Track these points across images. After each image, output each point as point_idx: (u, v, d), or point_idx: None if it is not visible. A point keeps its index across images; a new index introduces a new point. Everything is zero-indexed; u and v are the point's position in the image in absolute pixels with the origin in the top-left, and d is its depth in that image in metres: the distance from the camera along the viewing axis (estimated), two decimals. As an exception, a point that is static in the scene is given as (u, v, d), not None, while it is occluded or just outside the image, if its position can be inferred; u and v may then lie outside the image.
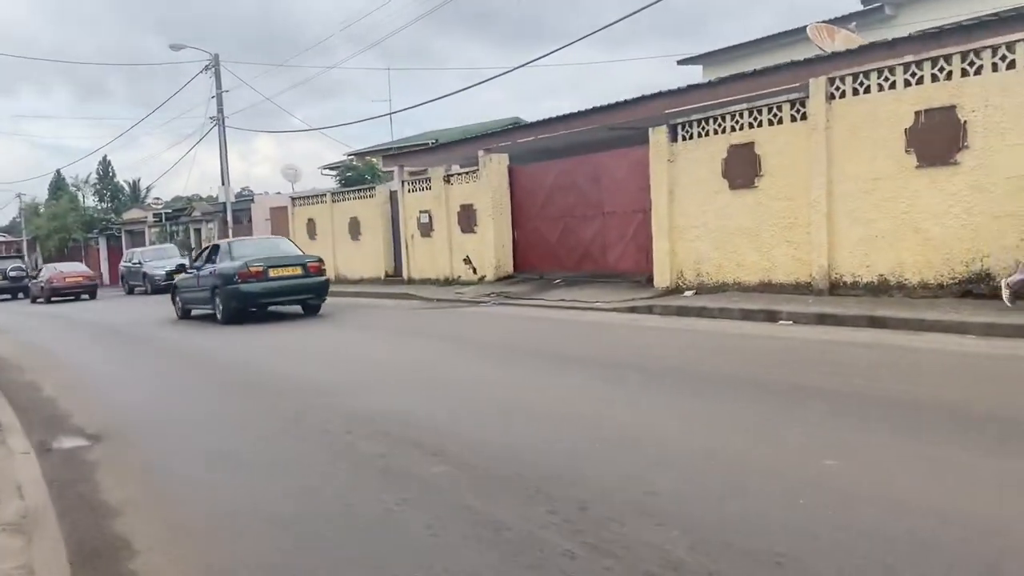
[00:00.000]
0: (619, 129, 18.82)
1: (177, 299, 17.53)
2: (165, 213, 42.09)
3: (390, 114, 39.80)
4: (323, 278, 15.89)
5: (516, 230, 18.61)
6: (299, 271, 15.44)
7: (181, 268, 18.31)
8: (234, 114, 33.48)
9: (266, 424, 6.52)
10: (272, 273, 14.98)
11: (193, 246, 37.52)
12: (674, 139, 13.70)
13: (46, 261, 49.34)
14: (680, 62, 30.27)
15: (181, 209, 39.92)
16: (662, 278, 13.97)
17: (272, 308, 15.94)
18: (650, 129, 14.05)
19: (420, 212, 21.19)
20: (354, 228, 24.36)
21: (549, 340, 10.43)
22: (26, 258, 51.28)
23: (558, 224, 17.24)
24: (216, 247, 16.57)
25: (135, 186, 52.99)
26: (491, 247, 18.62)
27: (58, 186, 51.12)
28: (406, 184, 21.95)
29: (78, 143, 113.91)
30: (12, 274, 35.81)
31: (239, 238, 21.45)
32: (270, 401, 7.37)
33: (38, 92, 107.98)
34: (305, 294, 15.58)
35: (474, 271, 19.45)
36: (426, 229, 21.03)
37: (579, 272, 16.84)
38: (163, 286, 32.27)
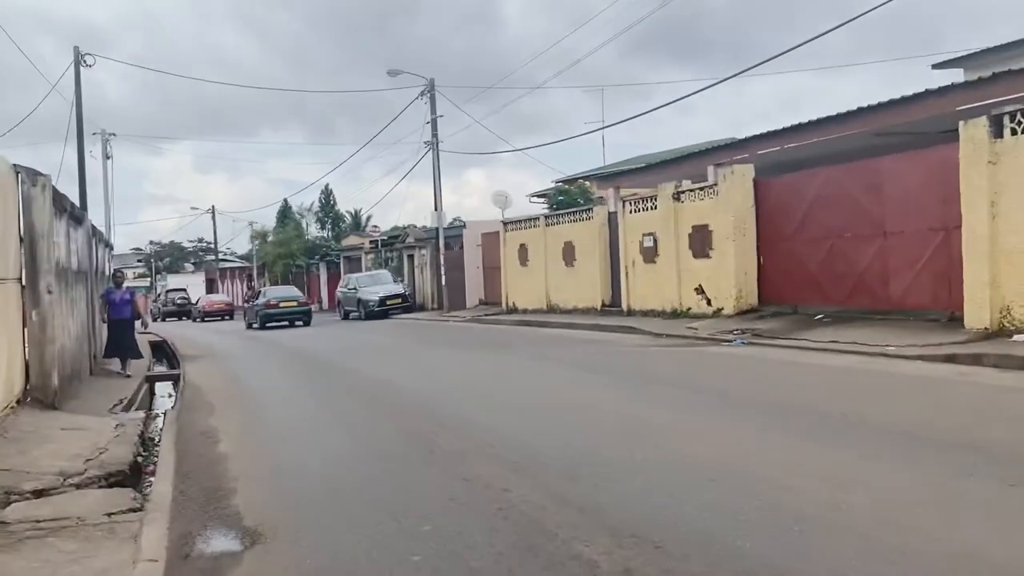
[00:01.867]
0: (891, 135, 15.53)
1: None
2: (380, 240, 42.69)
3: (601, 128, 37.50)
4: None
5: (762, 254, 15.72)
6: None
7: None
8: (447, 137, 32.81)
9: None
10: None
11: (406, 271, 37.50)
12: (998, 134, 10.39)
13: (272, 285, 52.15)
14: (935, 66, 26.07)
15: (395, 236, 40.19)
16: (977, 317, 10.62)
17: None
18: (961, 123, 10.81)
19: (643, 235, 18.81)
20: (568, 253, 22.42)
21: (841, 398, 7.63)
22: (255, 282, 54.57)
23: (820, 247, 14.18)
24: None
25: (356, 216, 54.85)
26: (731, 274, 15.84)
27: (285, 214, 53.99)
28: (627, 204, 19.68)
29: (306, 177, 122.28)
30: (179, 301, 48.39)
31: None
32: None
33: (275, 132, 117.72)
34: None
35: (708, 302, 16.73)
36: (650, 254, 18.61)
37: (848, 306, 13.68)
38: (377, 312, 32.40)
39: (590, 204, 24.85)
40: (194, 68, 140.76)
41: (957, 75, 23.85)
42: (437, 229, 32.44)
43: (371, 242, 43.17)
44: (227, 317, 40.87)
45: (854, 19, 18.84)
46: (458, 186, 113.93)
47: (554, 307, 23.43)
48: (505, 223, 26.99)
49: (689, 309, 17.23)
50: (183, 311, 47.07)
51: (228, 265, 68.38)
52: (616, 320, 18.52)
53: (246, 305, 36.71)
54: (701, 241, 16.79)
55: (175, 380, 14.29)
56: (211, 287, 69.38)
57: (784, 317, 14.57)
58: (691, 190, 17.30)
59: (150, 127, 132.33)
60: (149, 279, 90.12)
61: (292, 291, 34.16)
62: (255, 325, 30.10)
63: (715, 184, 16.44)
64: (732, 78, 47.47)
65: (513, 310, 25.94)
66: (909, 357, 9.78)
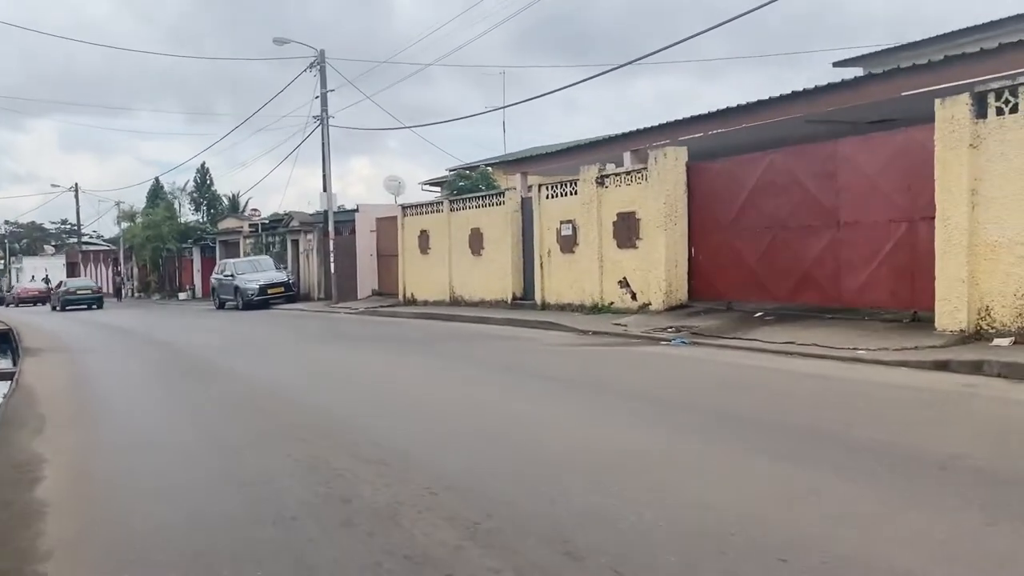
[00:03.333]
0: (825, 122, 14.59)
1: None
2: (261, 223, 39.64)
3: (503, 107, 36.33)
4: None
5: (694, 246, 14.46)
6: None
7: None
8: (335, 115, 30.25)
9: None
10: None
11: (290, 258, 34.76)
12: (981, 114, 9.34)
13: (141, 271, 47.94)
14: (836, 64, 25.95)
15: (278, 219, 37.29)
16: (951, 318, 9.57)
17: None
18: (938, 100, 9.73)
19: (562, 222, 17.29)
20: (475, 241, 20.67)
21: (852, 418, 6.23)
22: (122, 268, 50.08)
23: (762, 238, 13.00)
24: None
25: (234, 199, 51.19)
26: (659, 266, 14.50)
27: (156, 195, 49.68)
28: (543, 189, 18.10)
29: (182, 159, 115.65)
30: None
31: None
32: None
33: (150, 111, 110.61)
34: None
35: (633, 296, 15.37)
36: (568, 243, 17.11)
37: (792, 303, 12.55)
38: (257, 301, 29.64)
39: (496, 189, 23.22)
40: (65, 42, 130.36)
41: (857, 72, 23.63)
42: (326, 212, 29.98)
43: (251, 225, 40.05)
44: (41, 304, 44.94)
45: (726, 22, 18.02)
46: (343, 173, 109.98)
47: (459, 299, 21.63)
48: (404, 207, 24.98)
49: (611, 304, 15.82)
50: (40, 298, 48.43)
51: (93, 248, 62.96)
52: (531, 314, 16.93)
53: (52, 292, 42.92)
54: (627, 230, 15.40)
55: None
56: (73, 271, 63.73)
57: (719, 314, 13.33)
58: (617, 174, 15.88)
59: (10, 99, 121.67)
60: (2, 262, 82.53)
61: (88, 282, 43.24)
62: (57, 308, 37.15)
63: (644, 168, 15.05)
64: (615, 69, 46.94)
65: (412, 302, 23.99)
66: (889, 363, 8.57)
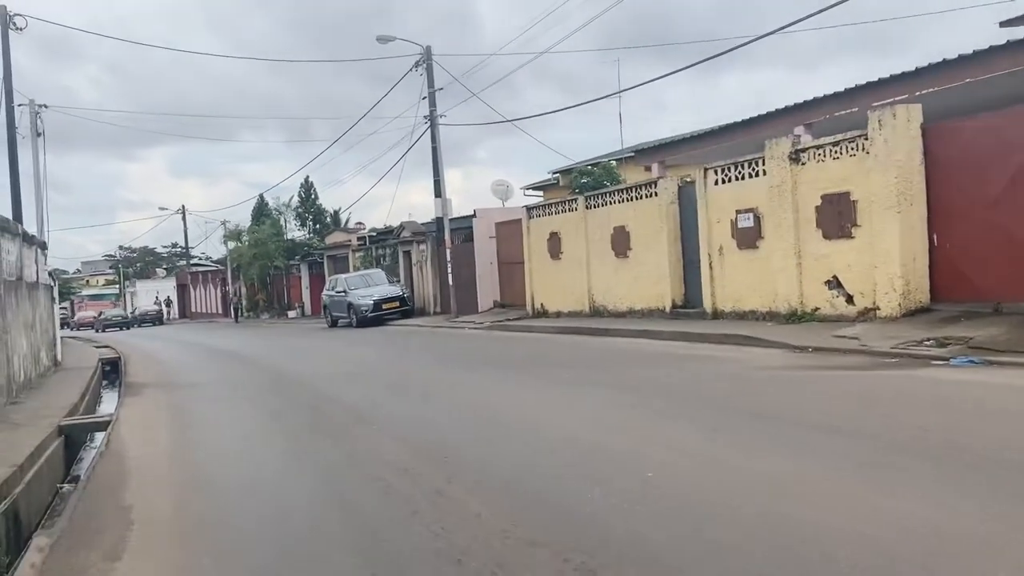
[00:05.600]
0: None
1: None
2: (370, 236, 37.90)
3: (619, 92, 33.25)
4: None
5: (936, 231, 11.24)
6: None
7: None
8: (443, 123, 27.95)
9: None
10: None
11: (402, 271, 32.76)
12: None
13: (249, 289, 47.13)
14: (1003, 24, 21.99)
15: (388, 230, 35.44)
16: None
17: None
18: None
19: (738, 212, 14.27)
20: (620, 241, 17.84)
21: None
22: (229, 287, 49.52)
23: (1055, 215, 9.71)
24: None
25: (336, 216, 49.95)
26: (892, 260, 11.32)
27: (261, 212, 48.91)
28: (710, 173, 15.10)
29: (283, 179, 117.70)
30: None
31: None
32: None
33: (254, 137, 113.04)
34: None
35: (848, 299, 12.22)
36: (749, 236, 14.08)
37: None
38: (371, 318, 27.65)
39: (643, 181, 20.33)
40: (170, 74, 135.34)
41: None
42: (441, 219, 27.77)
43: (359, 239, 38.33)
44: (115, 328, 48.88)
45: (817, 13, 14.54)
46: (433, 187, 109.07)
47: (600, 309, 18.84)
48: (529, 208, 22.39)
49: (816, 310, 12.71)
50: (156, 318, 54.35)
51: (201, 269, 63.29)
52: (703, 326, 13.98)
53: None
54: (837, 216, 12.26)
55: (103, 428, 9.58)
56: (183, 293, 64.29)
57: (989, 319, 10.07)
58: (819, 146, 12.71)
59: (124, 133, 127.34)
60: (118, 286, 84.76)
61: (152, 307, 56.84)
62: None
63: (860, 136, 11.87)
64: (701, 63, 43.08)
65: (542, 313, 21.36)
66: None
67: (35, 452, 7.78)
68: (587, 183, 26.22)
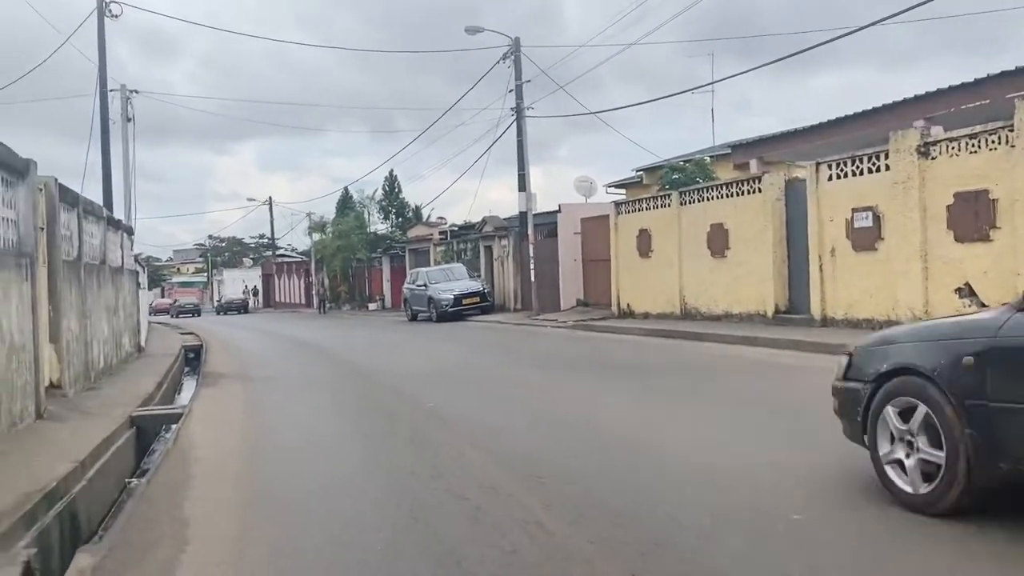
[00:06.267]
0: None
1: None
2: (451, 230, 37.53)
3: (711, 84, 32.02)
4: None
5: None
6: None
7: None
8: (530, 116, 27.14)
9: None
10: None
11: (483, 266, 32.20)
12: None
13: (332, 281, 47.42)
14: None
15: (470, 225, 34.95)
16: None
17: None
18: None
19: (855, 210, 13.04)
20: (717, 240, 16.75)
21: None
22: (313, 277, 50.00)
23: None
24: None
25: (417, 211, 49.81)
26: (1038, 266, 10.01)
27: (345, 205, 49.19)
28: (823, 168, 13.89)
29: (369, 176, 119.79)
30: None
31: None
32: None
33: (339, 132, 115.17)
34: None
35: (982, 307, 10.91)
36: (867, 237, 12.84)
37: None
38: (451, 313, 27.17)
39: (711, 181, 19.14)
40: (260, 70, 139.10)
41: None
42: (524, 214, 27.03)
43: (441, 233, 38.03)
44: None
45: (908, 9, 12.84)
46: (514, 184, 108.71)
47: (692, 311, 17.78)
48: (618, 204, 21.47)
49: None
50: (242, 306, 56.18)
51: (286, 260, 64.33)
52: (815, 333, 12.82)
53: None
54: (972, 215, 10.97)
55: (175, 420, 9.15)
56: (268, 282, 65.50)
57: None
58: (953, 139, 11.42)
59: (215, 127, 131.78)
60: (206, 274, 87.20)
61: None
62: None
63: (1005, 128, 10.54)
64: (795, 55, 41.07)
65: (628, 314, 20.41)
66: None
67: (102, 445, 7.35)
68: (678, 180, 25.06)
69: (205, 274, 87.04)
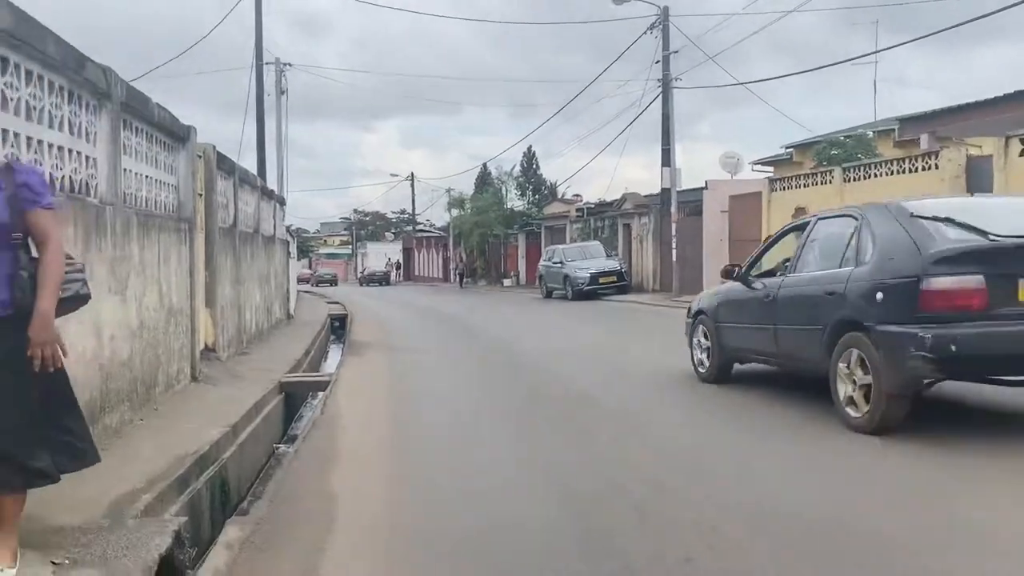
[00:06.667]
0: None
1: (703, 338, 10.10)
2: (588, 208, 36.94)
3: (875, 52, 29.66)
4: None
5: None
6: None
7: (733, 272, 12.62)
8: (677, 87, 25.97)
9: None
10: None
11: (621, 244, 31.50)
12: None
13: (468, 257, 47.91)
14: None
15: (608, 203, 34.26)
16: None
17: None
18: None
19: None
20: (885, 220, 15.41)
21: None
22: (450, 252, 50.73)
23: None
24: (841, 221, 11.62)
25: (553, 188, 49.45)
26: None
27: (484, 181, 49.49)
28: (1015, 142, 12.41)
29: (507, 154, 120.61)
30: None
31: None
32: None
33: (479, 110, 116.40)
34: None
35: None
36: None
37: None
38: (586, 291, 26.68)
39: (876, 159, 17.53)
40: (405, 51, 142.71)
41: None
42: (667, 190, 26.11)
43: (577, 210, 37.51)
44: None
45: None
46: (652, 163, 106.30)
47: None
48: (772, 180, 20.33)
49: None
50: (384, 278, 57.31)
51: (426, 235, 65.72)
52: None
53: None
54: None
55: (322, 388, 9.19)
56: (408, 256, 67.15)
57: None
58: None
59: (362, 105, 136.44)
60: (351, 247, 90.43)
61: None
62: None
63: None
64: (964, 24, 37.07)
65: (779, 297, 19.21)
66: None
67: (252, 410, 7.40)
68: (837, 156, 23.43)
69: (349, 247, 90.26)
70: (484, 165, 51.14)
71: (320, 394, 9.04)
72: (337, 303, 26.08)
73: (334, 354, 15.24)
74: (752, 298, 7.24)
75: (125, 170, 6.39)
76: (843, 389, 5.77)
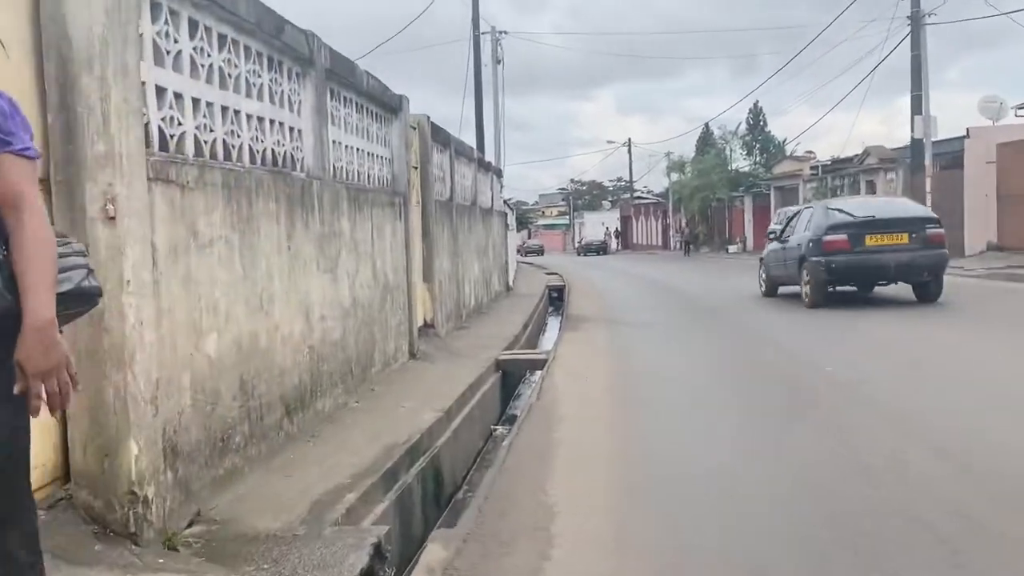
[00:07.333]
0: None
1: (762, 272, 14.75)
2: (823, 165, 33.93)
3: None
4: (941, 250, 11.63)
5: None
6: (906, 239, 11.49)
7: (771, 235, 15.34)
8: (931, 23, 22.77)
9: None
10: (868, 242, 11.55)
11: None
12: None
13: (690, 222, 46.06)
14: None
15: (846, 159, 31.21)
16: None
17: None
18: None
19: None
20: None
21: None
22: (670, 219, 49.07)
23: None
24: (807, 211, 13.57)
25: (781, 147, 46.08)
26: None
27: (705, 142, 47.19)
28: None
29: (726, 116, 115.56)
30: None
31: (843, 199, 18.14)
32: None
33: (699, 71, 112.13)
34: (913, 272, 11.63)
35: None
36: None
37: None
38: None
39: None
40: (622, 14, 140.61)
41: None
42: (919, 141, 23.14)
43: (812, 167, 34.59)
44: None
45: None
46: (889, 115, 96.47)
47: None
48: (1058, 122, 17.13)
49: None
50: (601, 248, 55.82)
51: (644, 202, 64.34)
52: None
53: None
54: None
55: (541, 367, 8.66)
56: (626, 224, 66.15)
57: None
58: None
59: (578, 74, 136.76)
60: (568, 217, 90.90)
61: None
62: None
63: None
64: None
65: (1067, 261, 16.30)
66: None
67: (468, 391, 7.00)
68: None
69: (567, 217, 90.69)
70: (706, 125, 48.85)
71: (538, 373, 8.52)
72: (555, 274, 25.80)
73: (553, 327, 14.80)
74: (779, 249, 13.50)
75: (333, 142, 6.11)
76: (803, 289, 12.23)
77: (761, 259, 14.60)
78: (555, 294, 19.97)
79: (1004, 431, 4.83)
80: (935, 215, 12.65)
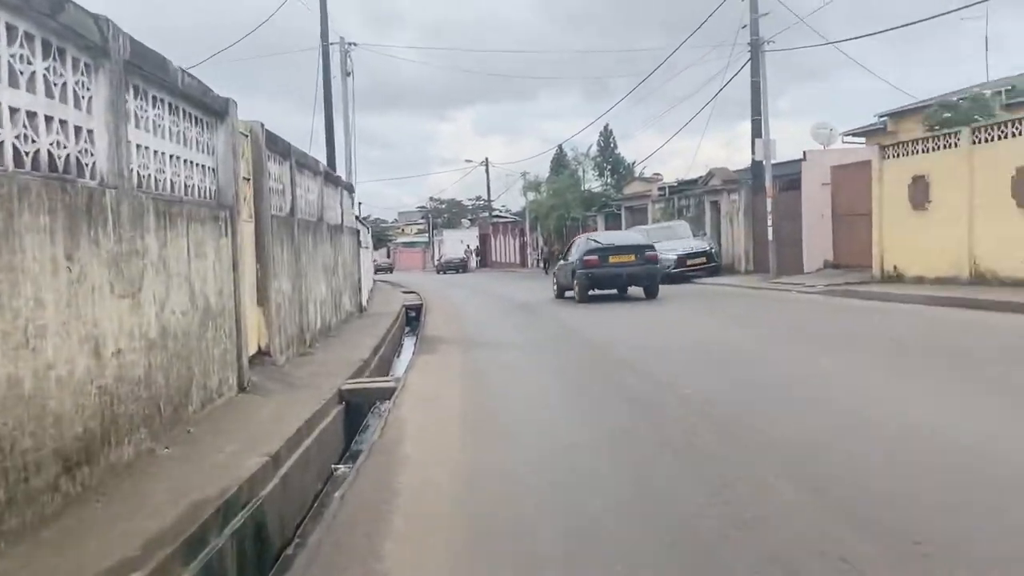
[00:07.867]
0: None
1: (554, 281, 20.93)
2: (671, 186, 35.01)
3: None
4: (655, 265, 18.59)
5: None
6: (633, 258, 18.26)
7: (561, 257, 22.28)
8: (771, 49, 23.88)
9: None
10: (612, 260, 18.11)
11: (708, 223, 29.59)
12: None
13: (546, 240, 46.48)
14: None
15: (693, 180, 32.30)
16: None
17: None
18: None
19: None
20: (1026, 187, 13.55)
21: None
22: (528, 237, 49.37)
23: None
24: (579, 240, 20.56)
25: (631, 168, 47.41)
26: None
27: (559, 162, 47.85)
28: None
29: (581, 138, 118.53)
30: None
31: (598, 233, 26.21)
32: None
33: (554, 93, 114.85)
34: (638, 280, 18.41)
35: None
36: None
37: None
38: (674, 274, 24.95)
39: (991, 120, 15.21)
40: (480, 36, 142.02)
41: None
42: (760, 163, 24.15)
43: (660, 189, 35.61)
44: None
45: None
46: (730, 140, 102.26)
47: (987, 276, 14.51)
48: (884, 147, 18.19)
49: None
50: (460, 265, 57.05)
51: (501, 220, 64.60)
52: None
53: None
54: None
55: (388, 396, 7.99)
56: (484, 242, 66.17)
57: None
58: None
59: (438, 96, 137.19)
60: (427, 235, 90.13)
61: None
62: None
63: None
64: None
65: (895, 277, 17.31)
66: None
67: (304, 427, 6.24)
68: (951, 119, 21.08)
69: (427, 235, 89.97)
70: (559, 147, 49.50)
71: (386, 404, 7.85)
72: (413, 292, 25.12)
73: (408, 348, 14.13)
74: (564, 265, 19.38)
75: (137, 146, 5.27)
76: (575, 292, 18.22)
77: (554, 272, 21.12)
78: (412, 313, 19.32)
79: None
80: (651, 243, 19.31)
